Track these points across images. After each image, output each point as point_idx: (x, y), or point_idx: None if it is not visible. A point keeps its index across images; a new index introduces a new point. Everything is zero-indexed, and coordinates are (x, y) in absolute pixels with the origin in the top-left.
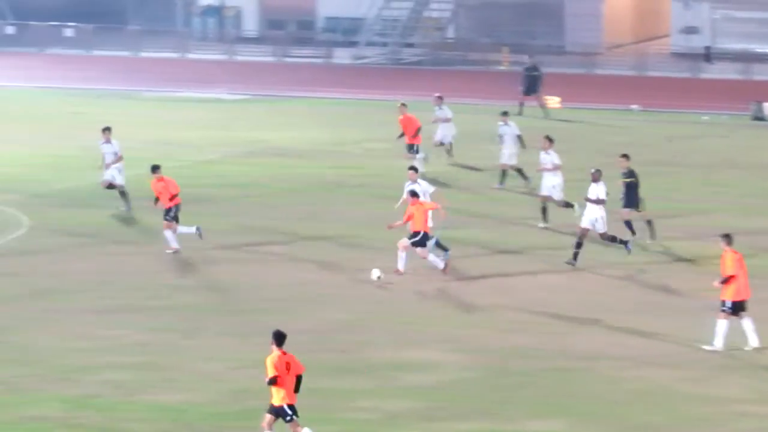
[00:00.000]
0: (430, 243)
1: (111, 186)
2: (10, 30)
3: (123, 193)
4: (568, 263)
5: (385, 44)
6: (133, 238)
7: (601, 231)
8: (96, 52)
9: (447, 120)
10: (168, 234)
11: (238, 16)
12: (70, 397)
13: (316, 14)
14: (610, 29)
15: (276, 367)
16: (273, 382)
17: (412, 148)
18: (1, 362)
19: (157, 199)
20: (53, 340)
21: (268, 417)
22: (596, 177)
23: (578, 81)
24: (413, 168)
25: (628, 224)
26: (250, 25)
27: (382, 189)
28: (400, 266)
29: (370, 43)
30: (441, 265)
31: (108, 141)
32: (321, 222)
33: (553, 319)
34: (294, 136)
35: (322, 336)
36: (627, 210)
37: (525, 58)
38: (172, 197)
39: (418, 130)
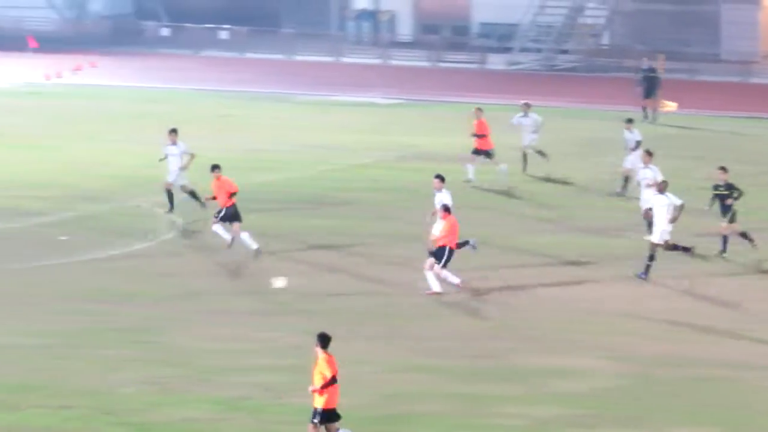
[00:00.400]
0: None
1: (192, 193)
2: (165, 32)
3: (193, 194)
4: (639, 276)
5: (539, 50)
6: (284, 241)
7: (667, 239)
8: (250, 55)
9: (533, 128)
10: (217, 228)
11: (392, 20)
12: (221, 399)
13: (471, 19)
14: (767, 37)
15: (332, 368)
16: (334, 380)
17: (485, 154)
18: (152, 363)
19: (214, 197)
20: (205, 341)
21: (328, 425)
22: (662, 188)
23: (733, 89)
24: (439, 176)
25: (743, 235)
26: (405, 30)
27: (532, 195)
28: (434, 286)
29: (524, 49)
30: (456, 280)
31: (174, 143)
32: (470, 227)
33: (693, 328)
34: (447, 141)
35: (467, 342)
36: (726, 224)
37: (680, 66)
38: (229, 197)
39: (485, 136)
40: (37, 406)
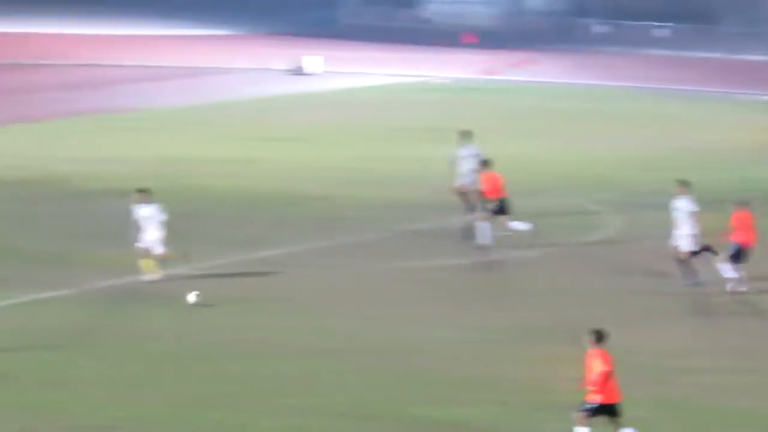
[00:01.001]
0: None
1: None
2: (603, 29)
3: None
4: None
5: None
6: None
7: None
8: (690, 53)
9: None
10: (482, 226)
11: None
12: (661, 398)
13: None
14: None
15: (606, 363)
16: (610, 375)
17: None
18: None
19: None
20: (639, 340)
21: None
22: None
23: None
24: (681, 181)
25: None
26: None
27: None
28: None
29: None
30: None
31: (466, 146)
32: None
33: None
34: None
35: None
36: None
37: None
38: (495, 192)
39: None
40: (479, 401)
